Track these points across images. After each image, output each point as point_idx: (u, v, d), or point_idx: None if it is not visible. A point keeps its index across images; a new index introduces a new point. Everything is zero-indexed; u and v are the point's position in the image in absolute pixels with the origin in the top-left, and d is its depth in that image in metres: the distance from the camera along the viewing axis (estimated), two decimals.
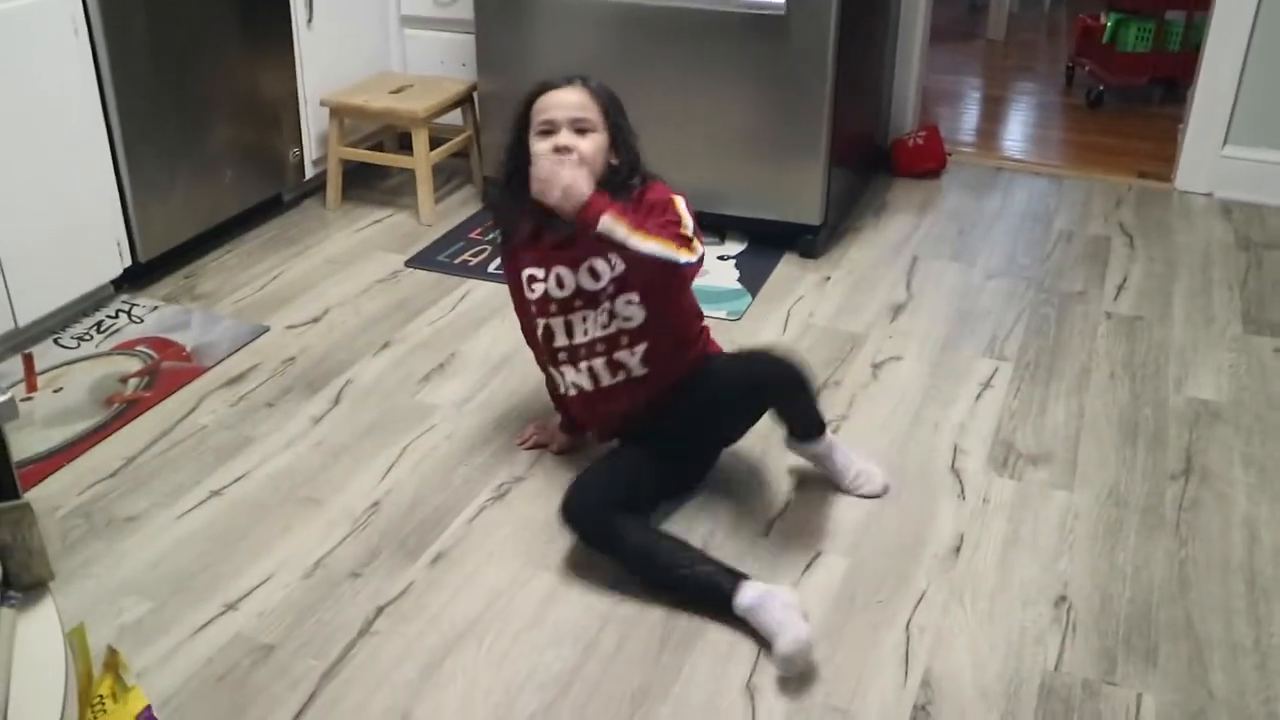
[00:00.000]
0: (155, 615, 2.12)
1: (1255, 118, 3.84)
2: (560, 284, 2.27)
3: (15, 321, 2.89)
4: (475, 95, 3.81)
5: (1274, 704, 1.93)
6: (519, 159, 2.26)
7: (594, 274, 2.24)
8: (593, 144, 2.22)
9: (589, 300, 2.26)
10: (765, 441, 2.58)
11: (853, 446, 2.48)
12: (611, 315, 2.26)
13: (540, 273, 2.29)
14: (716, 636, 2.07)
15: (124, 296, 3.25)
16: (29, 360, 2.92)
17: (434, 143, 3.75)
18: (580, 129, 2.21)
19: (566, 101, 2.21)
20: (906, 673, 1.99)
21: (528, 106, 2.25)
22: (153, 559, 2.26)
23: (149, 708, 1.48)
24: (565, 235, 2.21)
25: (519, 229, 2.34)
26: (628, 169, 2.27)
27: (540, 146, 2.20)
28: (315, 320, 3.15)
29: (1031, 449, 2.59)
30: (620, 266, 2.22)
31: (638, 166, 2.28)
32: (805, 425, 2.39)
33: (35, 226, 2.88)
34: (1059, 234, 3.67)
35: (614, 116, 2.26)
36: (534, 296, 2.31)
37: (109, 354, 2.97)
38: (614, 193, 2.18)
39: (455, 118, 3.92)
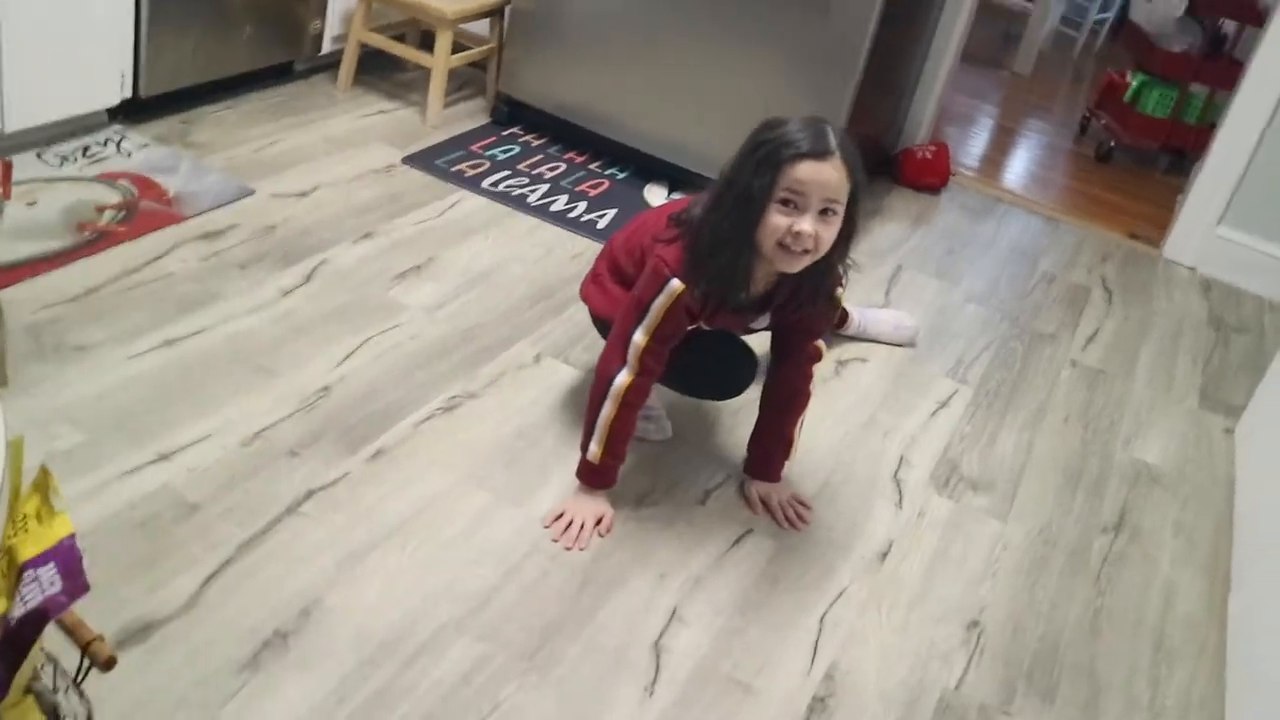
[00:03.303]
0: (87, 449, 2.10)
1: (1254, 204, 3.87)
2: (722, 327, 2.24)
3: (3, 127, 2.83)
4: (508, 9, 3.76)
5: None
6: (745, 209, 1.97)
7: (754, 325, 2.25)
8: (832, 232, 1.97)
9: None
10: (717, 410, 2.59)
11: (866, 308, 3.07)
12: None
13: (707, 326, 2.18)
14: (637, 587, 2.09)
15: (117, 127, 3.19)
16: (7, 167, 2.87)
17: (456, 47, 3.71)
18: (826, 210, 1.95)
19: (827, 181, 1.93)
20: (813, 662, 2.02)
21: (773, 164, 1.94)
22: (95, 393, 2.24)
23: (73, 535, 1.46)
24: (746, 307, 2.14)
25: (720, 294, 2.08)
26: (840, 264, 2.10)
27: (778, 223, 1.94)
28: (303, 195, 3.12)
29: (975, 474, 2.62)
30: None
31: (847, 264, 2.12)
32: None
33: (42, 35, 2.82)
34: (1043, 274, 3.70)
35: (857, 194, 2.00)
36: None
37: (90, 180, 2.92)
38: (807, 297, 2.11)
39: (483, 27, 3.87)
